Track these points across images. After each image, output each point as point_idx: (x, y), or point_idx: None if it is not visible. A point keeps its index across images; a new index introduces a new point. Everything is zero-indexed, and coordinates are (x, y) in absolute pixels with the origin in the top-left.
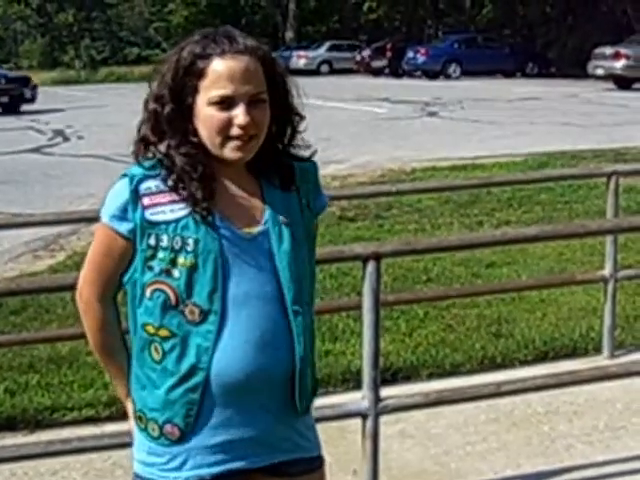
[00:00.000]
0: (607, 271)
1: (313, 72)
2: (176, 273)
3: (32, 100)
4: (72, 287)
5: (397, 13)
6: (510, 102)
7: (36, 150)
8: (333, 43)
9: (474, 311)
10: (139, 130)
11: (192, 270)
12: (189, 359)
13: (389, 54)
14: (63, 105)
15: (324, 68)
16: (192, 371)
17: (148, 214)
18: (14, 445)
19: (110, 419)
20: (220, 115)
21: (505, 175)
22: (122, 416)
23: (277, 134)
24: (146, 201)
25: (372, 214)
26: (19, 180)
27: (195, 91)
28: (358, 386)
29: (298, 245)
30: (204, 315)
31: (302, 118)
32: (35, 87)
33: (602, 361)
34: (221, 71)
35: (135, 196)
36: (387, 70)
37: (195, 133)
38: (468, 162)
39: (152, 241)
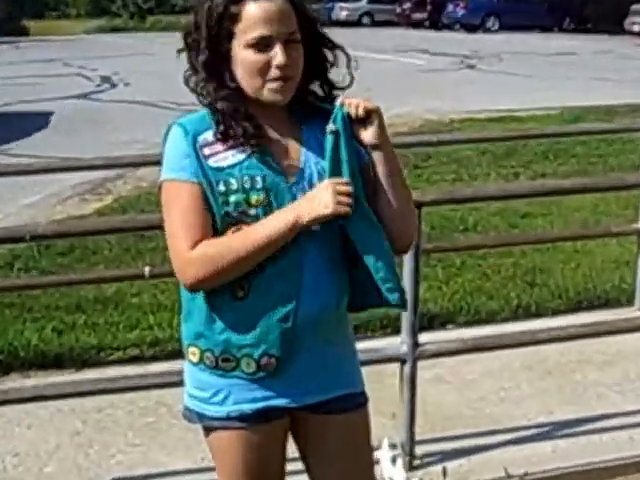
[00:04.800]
0: None
1: (355, 24)
2: (252, 211)
3: None
4: (119, 230)
5: None
6: (547, 56)
7: (84, 96)
8: None
9: (510, 260)
10: (186, 81)
11: (267, 206)
12: (278, 289)
13: (429, 7)
14: (110, 52)
15: (365, 20)
16: (283, 301)
17: (212, 162)
18: (61, 382)
19: (154, 359)
20: (258, 57)
21: (542, 128)
22: (166, 356)
23: (313, 74)
24: (206, 151)
25: (411, 164)
26: (66, 126)
27: (230, 36)
28: (396, 332)
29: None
30: (285, 247)
31: (339, 50)
32: None
33: (634, 312)
34: (257, 13)
35: (195, 149)
36: (427, 23)
37: (233, 78)
38: (505, 114)
39: (222, 187)
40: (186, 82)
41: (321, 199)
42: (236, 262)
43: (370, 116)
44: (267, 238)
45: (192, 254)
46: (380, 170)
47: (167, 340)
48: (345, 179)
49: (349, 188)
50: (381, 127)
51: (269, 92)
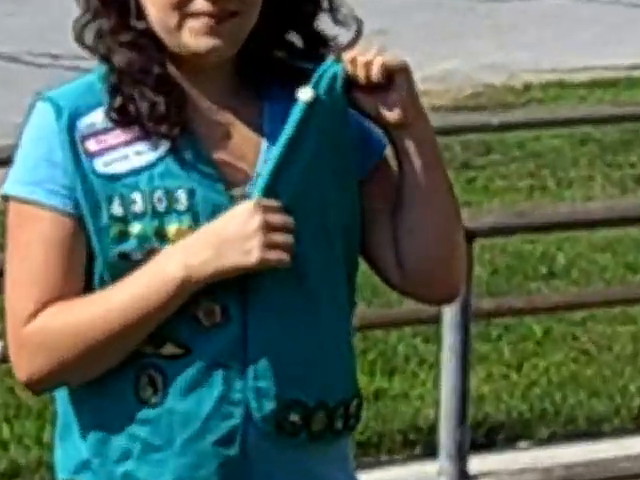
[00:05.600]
0: None
1: None
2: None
3: None
4: None
5: None
6: None
7: None
8: None
9: (627, 329)
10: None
11: None
12: (215, 388)
13: None
14: None
15: None
16: (223, 409)
17: (100, 165)
18: None
19: None
20: None
21: None
22: None
23: (288, 21)
24: (92, 145)
25: (457, 161)
26: None
27: None
28: (431, 454)
29: (307, 212)
30: (226, 312)
31: None
32: None
33: None
34: None
35: (71, 142)
36: None
37: (141, 15)
38: (618, 75)
39: (117, 209)
40: (78, 36)
41: (240, 238)
42: (86, 348)
43: (393, 79)
44: (127, 308)
45: (28, 328)
46: (408, 169)
47: (33, 468)
48: (277, 203)
49: (288, 220)
50: (412, 96)
51: (192, 35)
